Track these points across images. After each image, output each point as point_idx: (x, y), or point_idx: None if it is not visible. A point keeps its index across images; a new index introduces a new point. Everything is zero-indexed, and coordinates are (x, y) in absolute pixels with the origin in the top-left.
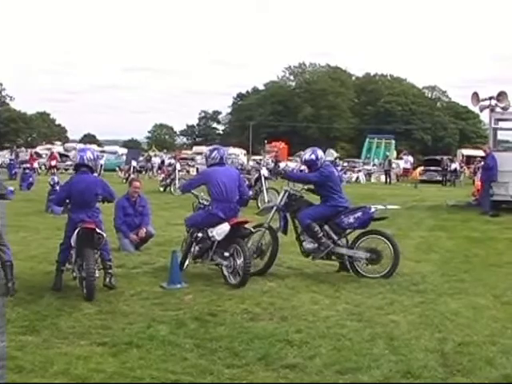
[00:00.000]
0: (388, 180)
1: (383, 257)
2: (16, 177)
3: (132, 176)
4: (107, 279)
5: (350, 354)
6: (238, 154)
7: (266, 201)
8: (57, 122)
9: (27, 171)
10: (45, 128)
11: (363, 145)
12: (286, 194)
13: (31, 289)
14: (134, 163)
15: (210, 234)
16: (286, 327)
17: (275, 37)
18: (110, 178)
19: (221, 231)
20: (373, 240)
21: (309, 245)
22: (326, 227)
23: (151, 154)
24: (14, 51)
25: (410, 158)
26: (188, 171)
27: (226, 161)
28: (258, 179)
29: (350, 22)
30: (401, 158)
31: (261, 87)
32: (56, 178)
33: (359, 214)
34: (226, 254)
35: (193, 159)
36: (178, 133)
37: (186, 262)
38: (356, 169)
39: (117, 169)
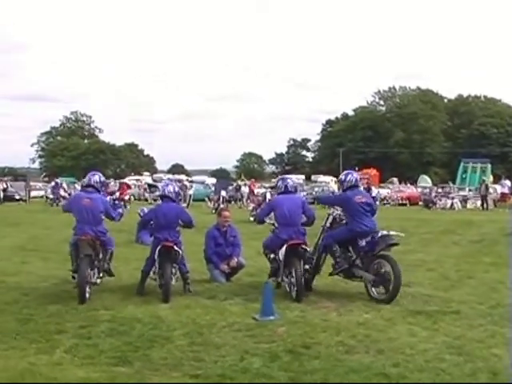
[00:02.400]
0: (485, 206)
1: (387, 280)
2: None
3: (221, 206)
4: (186, 287)
5: None
6: (328, 182)
7: None
8: (145, 153)
9: (117, 202)
10: (133, 159)
11: (457, 169)
12: (331, 217)
13: (123, 320)
14: (223, 193)
15: (279, 256)
16: (382, 360)
17: (365, 61)
18: (199, 209)
19: (282, 252)
20: (381, 264)
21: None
22: (350, 248)
23: (240, 183)
24: (98, 84)
25: (508, 183)
26: None
27: (291, 188)
28: None
29: (440, 43)
30: (498, 182)
31: (350, 112)
32: (145, 209)
33: (369, 238)
34: (287, 271)
35: None
36: (267, 161)
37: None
38: (451, 195)
39: (206, 199)
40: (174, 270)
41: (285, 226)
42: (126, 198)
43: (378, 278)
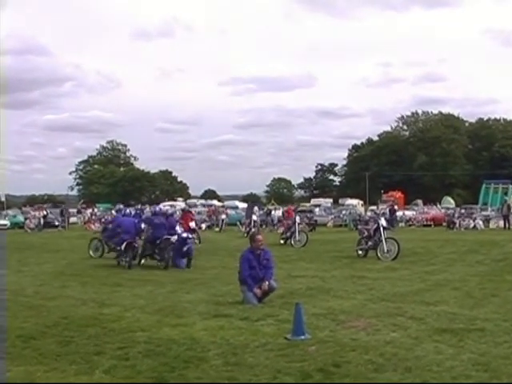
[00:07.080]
0: (507, 225)
1: None
2: None
3: (253, 230)
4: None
5: None
6: (355, 205)
7: (386, 251)
8: (178, 179)
9: None
10: (167, 185)
11: (480, 191)
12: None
13: (159, 341)
14: (254, 217)
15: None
16: (410, 378)
17: (388, 87)
18: (232, 233)
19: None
20: None
21: None
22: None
23: (270, 207)
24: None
25: None
26: (307, 224)
27: (129, 213)
28: (377, 229)
29: (461, 68)
30: None
31: (375, 138)
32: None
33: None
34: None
35: (311, 211)
36: (295, 186)
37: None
38: (473, 215)
39: (238, 223)
40: None
41: (126, 233)
42: None
43: None
